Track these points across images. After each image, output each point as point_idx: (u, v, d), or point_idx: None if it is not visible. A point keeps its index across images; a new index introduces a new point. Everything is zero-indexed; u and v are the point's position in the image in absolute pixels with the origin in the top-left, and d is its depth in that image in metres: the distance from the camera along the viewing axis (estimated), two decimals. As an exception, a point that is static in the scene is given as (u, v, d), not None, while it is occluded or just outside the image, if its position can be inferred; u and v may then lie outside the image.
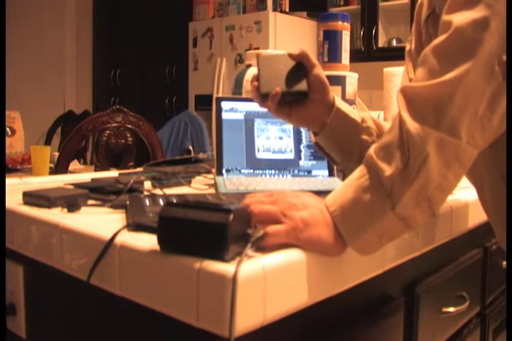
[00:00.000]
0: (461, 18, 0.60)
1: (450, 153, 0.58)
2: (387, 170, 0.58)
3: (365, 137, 0.86)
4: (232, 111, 1.08)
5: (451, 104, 0.58)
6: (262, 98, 0.83)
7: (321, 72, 0.84)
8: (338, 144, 0.87)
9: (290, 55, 0.84)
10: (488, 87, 0.58)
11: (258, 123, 1.09)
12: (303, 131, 1.11)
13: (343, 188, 0.61)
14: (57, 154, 2.08)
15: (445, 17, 0.63)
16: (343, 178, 0.95)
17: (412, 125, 0.58)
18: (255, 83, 0.84)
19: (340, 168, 0.92)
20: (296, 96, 0.84)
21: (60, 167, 1.92)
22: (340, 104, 0.85)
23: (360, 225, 0.58)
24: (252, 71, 1.33)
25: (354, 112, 0.87)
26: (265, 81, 0.83)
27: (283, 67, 0.84)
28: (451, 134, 0.58)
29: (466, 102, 0.58)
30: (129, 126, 2.08)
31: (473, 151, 0.60)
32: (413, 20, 0.92)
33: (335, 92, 1.19)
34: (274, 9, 3.78)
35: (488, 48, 0.58)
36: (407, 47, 0.94)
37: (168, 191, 0.95)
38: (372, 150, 0.61)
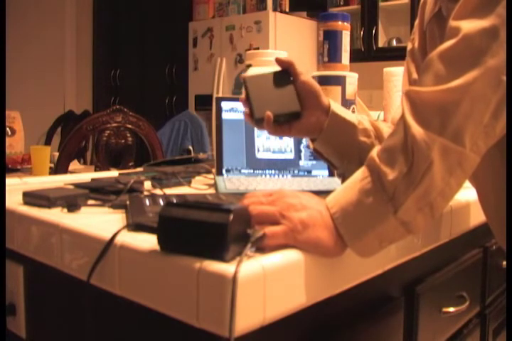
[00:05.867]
0: (470, 25, 0.61)
1: (453, 160, 0.58)
2: (390, 173, 0.58)
3: (363, 139, 0.86)
4: (232, 111, 1.08)
5: (456, 111, 0.58)
6: (257, 123, 0.83)
7: (308, 78, 0.84)
8: (337, 148, 0.87)
9: (277, 60, 0.84)
10: (494, 96, 0.59)
11: (258, 123, 1.09)
12: (303, 131, 1.11)
13: (344, 190, 0.61)
14: (57, 154, 2.08)
15: (453, 22, 0.63)
16: (342, 182, 0.95)
17: (417, 130, 0.58)
18: (247, 110, 0.84)
19: (340, 172, 0.92)
20: (290, 116, 0.84)
21: (60, 167, 1.92)
22: (335, 107, 0.85)
23: (361, 228, 0.58)
24: (252, 71, 1.33)
25: (350, 115, 0.87)
26: (257, 105, 0.83)
27: (271, 88, 0.84)
28: (455, 141, 0.58)
29: (472, 110, 0.58)
30: (129, 126, 2.08)
31: (476, 158, 0.60)
32: (413, 20, 0.92)
33: (335, 92, 1.20)
34: (274, 9, 3.78)
35: (496, 58, 0.59)
36: (409, 47, 0.94)
37: (168, 191, 0.95)
38: (374, 153, 0.61)
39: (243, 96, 0.85)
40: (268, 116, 0.81)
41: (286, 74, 0.84)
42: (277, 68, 0.86)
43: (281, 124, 0.84)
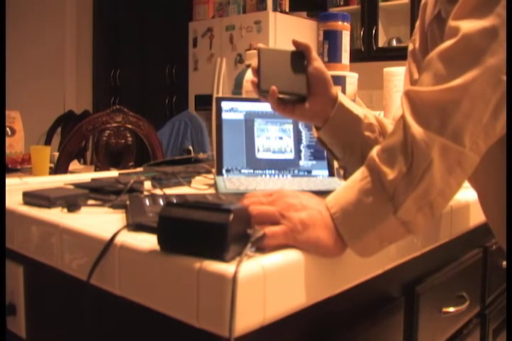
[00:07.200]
0: (469, 25, 0.61)
1: (453, 160, 0.58)
2: (390, 173, 0.58)
3: (367, 133, 0.86)
4: (232, 111, 1.08)
5: (456, 110, 0.58)
6: (261, 94, 0.84)
7: (321, 65, 0.84)
8: (341, 139, 0.87)
9: (294, 42, 0.84)
10: (493, 96, 0.59)
11: (258, 123, 1.09)
12: (303, 131, 1.11)
13: (344, 190, 0.61)
14: (57, 154, 2.08)
15: (452, 23, 0.63)
16: (344, 175, 0.95)
17: (416, 130, 0.58)
18: (255, 79, 0.84)
19: (342, 164, 0.92)
20: (295, 98, 0.84)
21: (60, 167, 1.92)
22: (343, 99, 0.85)
23: (361, 228, 0.58)
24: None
25: (357, 108, 0.87)
26: (265, 77, 0.83)
27: (284, 65, 0.84)
28: (455, 141, 0.58)
29: (472, 110, 0.58)
30: (129, 126, 2.08)
31: (476, 158, 0.60)
32: (413, 20, 0.93)
33: (335, 92, 1.19)
34: (274, 9, 3.78)
35: (496, 57, 0.59)
36: (410, 47, 0.94)
37: (168, 191, 0.95)
38: (374, 153, 0.61)
39: (255, 65, 0.85)
40: (273, 90, 0.81)
41: (301, 56, 0.84)
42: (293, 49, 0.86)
43: (285, 104, 0.84)
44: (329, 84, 0.84)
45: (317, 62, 0.84)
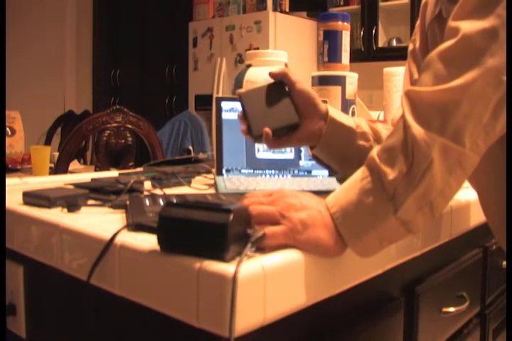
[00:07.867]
0: (470, 26, 0.61)
1: (453, 160, 0.58)
2: (390, 173, 0.58)
3: (362, 143, 0.86)
4: (232, 111, 1.08)
5: (456, 111, 0.58)
6: (256, 140, 0.84)
7: (304, 86, 0.85)
8: (336, 154, 0.87)
9: (271, 74, 0.85)
10: (494, 96, 0.59)
11: (258, 123, 1.09)
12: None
13: (344, 190, 0.61)
14: (57, 154, 2.08)
15: (452, 23, 0.63)
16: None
17: (417, 130, 0.58)
18: (244, 127, 0.84)
19: (339, 177, 0.92)
20: (289, 129, 0.84)
21: (60, 167, 1.92)
22: (333, 112, 0.85)
23: (361, 228, 0.58)
24: (252, 71, 1.33)
25: (348, 119, 0.87)
26: (255, 122, 0.83)
27: (267, 101, 0.84)
28: (455, 141, 0.58)
29: (472, 110, 0.59)
30: (129, 126, 2.08)
31: (476, 158, 0.60)
32: (413, 20, 0.93)
33: (335, 92, 1.20)
34: (274, 9, 3.78)
35: (496, 58, 0.59)
36: (410, 47, 0.94)
37: (168, 191, 0.95)
38: (374, 153, 0.61)
39: (240, 113, 0.85)
40: (266, 132, 0.81)
41: (281, 84, 0.85)
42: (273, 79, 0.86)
43: (281, 137, 0.84)
44: (317, 101, 0.84)
45: (299, 85, 0.84)
